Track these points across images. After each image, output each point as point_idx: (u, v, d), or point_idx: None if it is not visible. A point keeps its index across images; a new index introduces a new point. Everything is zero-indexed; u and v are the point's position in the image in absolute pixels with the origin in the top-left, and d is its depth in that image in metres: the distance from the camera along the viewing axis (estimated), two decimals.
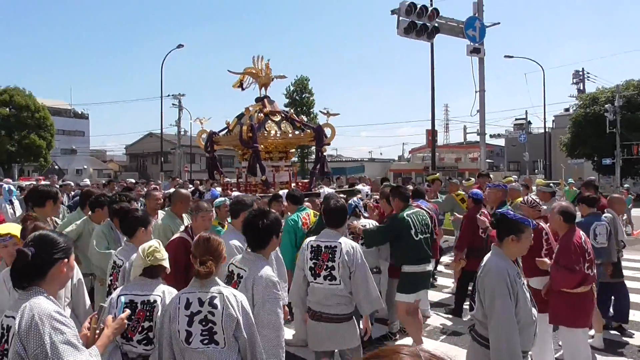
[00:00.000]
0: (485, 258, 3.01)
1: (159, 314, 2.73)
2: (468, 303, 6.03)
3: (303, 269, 3.87)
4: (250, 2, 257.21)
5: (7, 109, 32.75)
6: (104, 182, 14.94)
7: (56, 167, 40.75)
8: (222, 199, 5.66)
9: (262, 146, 9.67)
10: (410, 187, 8.34)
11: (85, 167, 50.03)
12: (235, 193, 7.66)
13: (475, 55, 11.95)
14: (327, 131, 10.36)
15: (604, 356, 5.12)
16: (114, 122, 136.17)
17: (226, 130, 10.73)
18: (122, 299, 2.77)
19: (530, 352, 3.08)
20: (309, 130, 10.45)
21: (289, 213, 5.98)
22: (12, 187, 9.58)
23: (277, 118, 10.35)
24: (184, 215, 5.35)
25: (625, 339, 5.64)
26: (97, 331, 2.36)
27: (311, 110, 36.38)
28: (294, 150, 11.42)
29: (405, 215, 5.07)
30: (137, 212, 3.90)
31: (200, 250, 2.71)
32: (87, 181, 13.54)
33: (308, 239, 3.98)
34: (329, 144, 10.60)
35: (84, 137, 52.60)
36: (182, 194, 5.51)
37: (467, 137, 53.61)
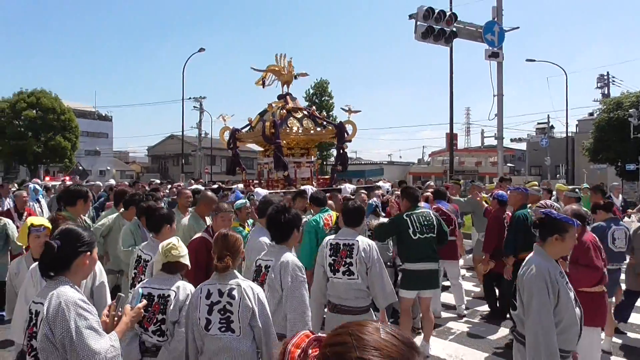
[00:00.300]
0: (527, 257, 3.05)
1: (171, 307, 2.91)
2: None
3: (323, 265, 4.11)
4: (271, 7, 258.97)
5: (34, 111, 33.60)
6: (127, 182, 15.32)
7: (80, 168, 41.59)
8: (243, 201, 5.82)
9: (284, 142, 9.75)
10: (430, 188, 8.44)
11: (109, 168, 51.01)
12: (258, 189, 7.83)
13: (493, 60, 11.93)
14: (349, 128, 10.42)
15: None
16: (137, 125, 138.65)
17: (248, 127, 10.87)
18: (140, 290, 2.97)
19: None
20: (330, 127, 10.55)
21: (312, 210, 6.11)
22: (37, 187, 9.92)
23: (299, 115, 10.47)
24: (206, 217, 5.53)
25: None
26: (115, 319, 2.53)
27: (330, 113, 36.51)
28: (315, 147, 11.49)
29: (404, 215, 5.30)
30: (162, 210, 4.16)
31: (219, 246, 2.92)
32: (112, 181, 13.89)
33: (327, 238, 4.25)
34: (350, 141, 10.66)
35: (107, 138, 53.60)
36: (208, 196, 5.71)
37: (484, 141, 53.07)
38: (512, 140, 51.52)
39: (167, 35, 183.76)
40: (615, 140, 28.75)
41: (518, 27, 12.76)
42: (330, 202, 6.39)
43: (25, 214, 7.60)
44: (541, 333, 2.73)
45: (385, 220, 5.90)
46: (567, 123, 34.50)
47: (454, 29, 11.34)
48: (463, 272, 8.98)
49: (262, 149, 10.89)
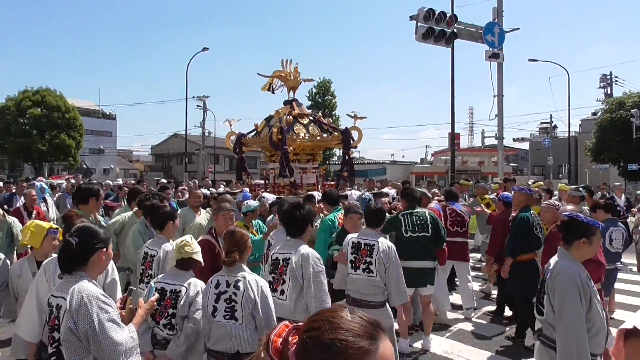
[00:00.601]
0: (552, 261, 3.04)
1: (181, 303, 3.08)
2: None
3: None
4: (274, 6, 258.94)
5: (39, 110, 33.80)
6: (133, 181, 15.48)
7: (84, 166, 41.83)
8: (255, 204, 5.87)
9: (290, 148, 9.86)
10: (437, 196, 8.49)
11: (112, 166, 51.24)
12: (266, 194, 7.95)
13: (494, 61, 12.01)
14: (354, 134, 10.49)
15: None
16: (140, 123, 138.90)
17: (254, 132, 10.98)
18: (153, 284, 3.17)
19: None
20: (336, 133, 10.64)
21: (320, 214, 6.21)
22: (44, 185, 10.00)
23: (305, 121, 10.55)
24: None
25: None
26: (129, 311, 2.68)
27: (333, 112, 36.57)
28: (321, 152, 11.59)
29: (400, 215, 5.58)
30: (166, 208, 4.34)
31: (227, 242, 3.18)
32: (120, 181, 14.04)
33: (349, 236, 4.50)
34: (355, 147, 10.78)
35: (111, 137, 53.79)
36: (224, 199, 5.93)
37: (485, 141, 53.11)
38: (514, 140, 51.54)
39: (171, 34, 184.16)
40: (617, 140, 28.81)
41: (518, 28, 12.87)
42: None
43: (35, 212, 7.65)
44: (573, 338, 2.71)
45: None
46: (569, 123, 34.53)
47: (455, 30, 11.44)
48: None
49: (269, 154, 11.00)
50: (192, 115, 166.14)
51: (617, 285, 6.99)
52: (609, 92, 47.58)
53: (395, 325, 5.12)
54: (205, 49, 32.61)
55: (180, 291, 3.12)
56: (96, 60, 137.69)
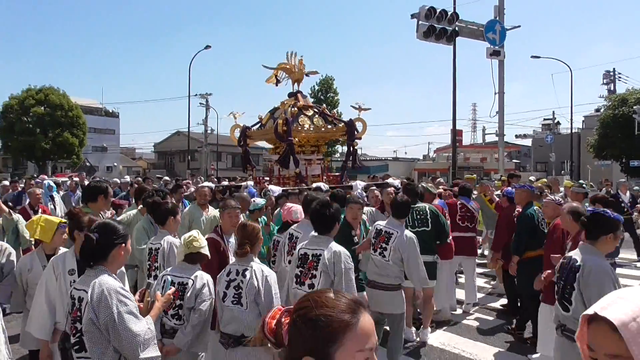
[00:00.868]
0: (578, 257, 3.09)
1: (188, 294, 3.24)
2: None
3: None
4: (276, 5, 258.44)
5: (43, 108, 33.96)
6: (139, 179, 15.61)
7: (88, 164, 41.91)
8: (262, 202, 5.89)
9: (295, 140, 9.89)
10: (442, 185, 8.53)
11: (116, 164, 51.39)
12: (271, 187, 8.03)
13: (495, 58, 12.07)
14: (359, 126, 10.52)
15: None
16: (143, 121, 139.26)
17: (259, 124, 11.01)
18: (169, 278, 3.32)
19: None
20: (341, 125, 10.67)
21: None
22: (51, 183, 10.09)
23: (310, 112, 10.59)
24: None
25: None
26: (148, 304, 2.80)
27: (336, 109, 36.62)
28: (325, 144, 11.64)
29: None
30: (167, 204, 4.51)
31: (239, 235, 3.44)
32: (128, 178, 14.15)
33: (377, 222, 5.02)
34: (360, 138, 10.76)
35: (114, 135, 53.91)
36: (241, 196, 6.03)
37: (486, 137, 53.06)
38: (517, 136, 51.46)
39: (174, 32, 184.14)
40: (620, 137, 28.82)
41: (519, 26, 12.92)
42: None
43: (40, 211, 7.69)
44: None
45: (369, 209, 6.46)
46: (571, 119, 34.55)
47: (456, 28, 11.49)
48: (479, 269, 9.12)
49: (272, 147, 11.03)
50: (195, 113, 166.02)
51: (620, 280, 7.04)
52: (612, 88, 47.42)
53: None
54: (207, 47, 32.65)
55: (187, 284, 3.28)
56: (99, 59, 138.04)
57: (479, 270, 9.24)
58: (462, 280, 7.61)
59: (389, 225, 4.81)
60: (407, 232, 4.77)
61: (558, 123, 47.32)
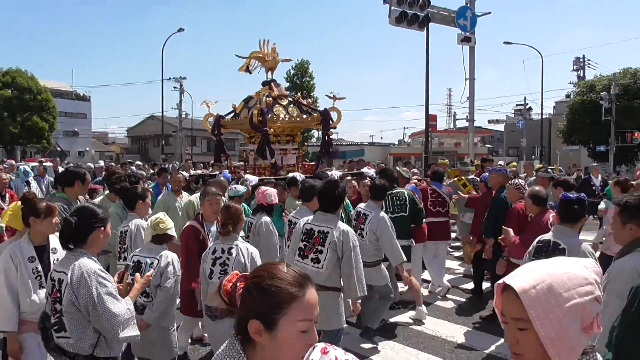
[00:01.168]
0: (559, 240, 3.30)
1: (154, 273, 3.37)
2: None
3: None
4: None
5: (10, 91, 32.99)
6: (113, 163, 15.44)
7: (58, 149, 41.09)
8: (242, 189, 5.94)
9: (270, 130, 9.89)
10: (415, 176, 8.70)
11: (87, 149, 50.36)
12: (248, 176, 8.07)
13: (466, 44, 12.25)
14: (334, 115, 10.53)
15: None
16: (116, 105, 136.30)
17: (233, 113, 10.95)
18: (135, 258, 3.49)
19: None
20: (315, 114, 10.68)
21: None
22: (27, 169, 9.90)
23: (285, 102, 10.55)
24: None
25: None
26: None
27: (311, 94, 36.55)
28: (300, 133, 11.63)
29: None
30: (136, 189, 4.68)
31: (223, 216, 3.78)
32: (102, 163, 13.97)
33: (359, 206, 5.50)
34: (335, 128, 10.78)
35: (85, 119, 52.71)
36: (217, 181, 6.11)
37: (457, 123, 53.86)
38: (489, 121, 52.36)
39: (146, 13, 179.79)
40: (588, 123, 29.59)
41: (490, 13, 13.14)
42: None
43: (8, 196, 7.48)
44: None
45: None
46: (542, 105, 35.38)
47: (428, 14, 11.59)
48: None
49: (248, 136, 11.01)
50: (169, 97, 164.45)
51: None
52: (581, 75, 48.55)
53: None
54: (180, 29, 32.14)
55: (152, 263, 3.44)
56: (69, 41, 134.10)
57: (455, 253, 9.55)
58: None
59: (366, 208, 5.29)
60: (381, 213, 5.14)
61: (530, 108, 48.30)
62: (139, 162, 15.84)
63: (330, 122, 10.45)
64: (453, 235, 9.80)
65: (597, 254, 4.96)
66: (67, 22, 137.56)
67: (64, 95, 48.87)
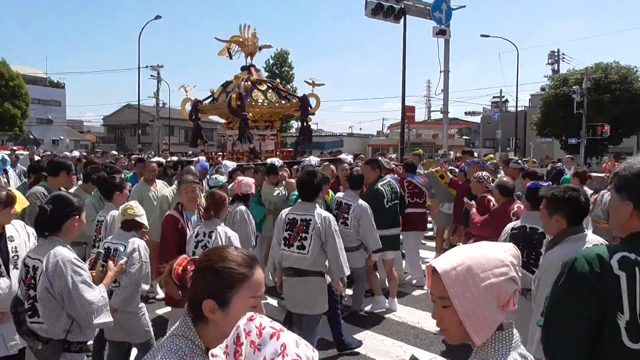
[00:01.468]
0: (536, 225, 3.47)
1: (119, 262, 3.35)
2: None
3: None
4: None
5: None
6: (85, 153, 15.22)
7: (31, 137, 40.20)
8: (223, 180, 5.90)
9: (249, 115, 9.85)
10: (393, 162, 8.81)
11: (62, 137, 49.36)
12: (226, 161, 8.06)
13: (441, 37, 12.40)
14: (312, 101, 10.53)
15: None
16: (92, 93, 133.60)
17: (211, 98, 10.86)
18: (106, 245, 3.56)
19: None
20: (294, 100, 10.67)
21: (284, 182, 6.55)
22: (5, 157, 9.72)
23: (264, 87, 10.53)
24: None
25: None
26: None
27: (291, 84, 36.45)
28: (279, 119, 11.67)
29: (379, 185, 5.98)
30: (113, 179, 4.67)
31: (208, 201, 4.09)
32: (76, 153, 13.76)
33: (338, 195, 5.71)
34: (313, 114, 10.83)
35: (60, 107, 51.58)
36: (187, 169, 6.11)
37: (432, 115, 54.46)
38: (466, 113, 52.93)
39: None
40: (561, 116, 30.25)
41: (464, 6, 13.30)
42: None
43: None
44: None
45: None
46: (516, 98, 36.07)
47: (403, 6, 11.68)
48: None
49: (226, 121, 10.95)
50: (146, 86, 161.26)
51: None
52: (556, 68, 49.36)
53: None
54: (158, 17, 31.69)
55: (117, 249, 3.49)
56: (43, 26, 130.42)
57: (430, 244, 9.74)
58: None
59: (347, 198, 5.50)
60: (361, 202, 5.39)
61: (506, 101, 48.99)
62: (114, 152, 15.68)
63: (309, 108, 10.44)
64: (429, 225, 10.04)
65: None
66: (41, 6, 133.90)
67: (37, 82, 47.73)
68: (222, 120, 11.74)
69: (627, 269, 1.62)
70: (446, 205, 8.00)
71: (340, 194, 5.68)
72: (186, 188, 4.52)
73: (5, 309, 2.83)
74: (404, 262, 7.44)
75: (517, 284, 1.33)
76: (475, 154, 12.61)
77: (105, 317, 2.65)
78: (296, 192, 6.14)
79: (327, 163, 8.33)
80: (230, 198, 6.04)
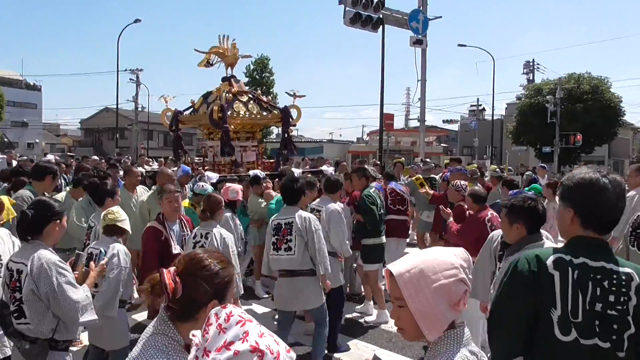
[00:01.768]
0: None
1: (100, 262, 3.37)
2: None
3: None
4: None
5: None
6: (58, 158, 15.01)
7: (6, 140, 39.44)
8: (207, 189, 5.93)
9: (231, 126, 9.87)
10: (370, 169, 8.95)
11: (37, 140, 48.40)
12: (208, 173, 8.08)
13: (418, 47, 12.63)
14: (294, 112, 10.59)
15: None
16: (69, 96, 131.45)
17: (191, 109, 10.87)
18: (89, 250, 3.61)
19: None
20: (275, 111, 10.72)
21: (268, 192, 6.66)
22: None
23: (245, 98, 10.56)
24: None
25: None
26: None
27: (271, 90, 36.52)
28: (260, 130, 11.70)
29: (372, 192, 5.95)
30: (105, 185, 4.69)
31: (204, 204, 4.33)
32: (51, 157, 13.57)
33: (314, 202, 5.60)
34: (294, 125, 10.91)
35: (36, 109, 50.64)
36: (165, 173, 6.18)
37: (409, 122, 55.10)
38: (444, 121, 53.61)
39: (102, 1, 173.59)
40: (535, 124, 31.05)
41: (441, 17, 13.63)
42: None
43: None
44: None
45: None
46: (492, 106, 36.73)
47: (381, 16, 11.88)
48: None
49: (207, 132, 10.97)
50: (125, 89, 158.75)
51: None
52: (531, 78, 50.43)
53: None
54: (137, 20, 31.55)
55: (97, 254, 3.50)
56: (19, 27, 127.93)
57: (407, 249, 9.91)
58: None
59: (319, 204, 5.48)
60: (331, 205, 5.36)
61: (483, 109, 49.82)
62: (95, 157, 15.52)
63: (290, 120, 10.51)
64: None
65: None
66: (17, 7, 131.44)
67: (12, 84, 46.84)
68: (204, 131, 11.72)
69: (560, 268, 1.80)
70: (425, 213, 8.17)
71: (315, 201, 5.58)
72: (169, 198, 4.45)
73: None
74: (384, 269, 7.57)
75: (467, 285, 1.47)
76: (446, 161, 12.87)
77: (90, 315, 2.77)
78: (273, 201, 6.31)
79: (308, 175, 8.35)
80: None
